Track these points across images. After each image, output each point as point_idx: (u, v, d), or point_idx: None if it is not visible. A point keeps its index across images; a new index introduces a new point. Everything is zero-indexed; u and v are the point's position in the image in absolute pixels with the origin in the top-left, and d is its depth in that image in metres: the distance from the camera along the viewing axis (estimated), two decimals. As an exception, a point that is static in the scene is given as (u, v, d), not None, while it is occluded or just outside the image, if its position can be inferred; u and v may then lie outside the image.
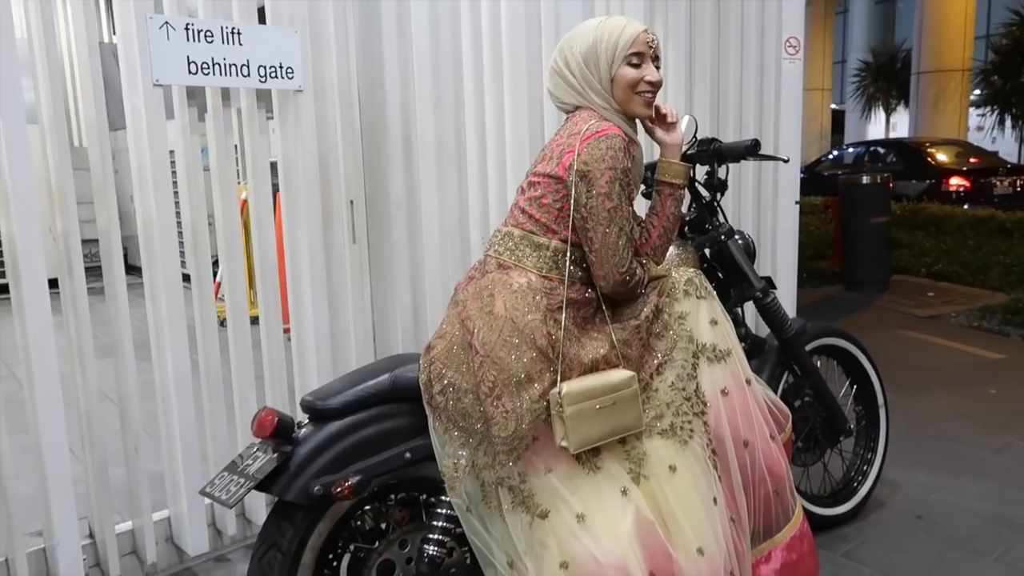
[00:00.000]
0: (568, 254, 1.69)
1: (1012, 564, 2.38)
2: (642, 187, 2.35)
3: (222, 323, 2.44)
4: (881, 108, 21.81)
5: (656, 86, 1.73)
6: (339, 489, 1.54)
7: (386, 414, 1.69)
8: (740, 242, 2.38)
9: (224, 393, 2.45)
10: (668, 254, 2.15)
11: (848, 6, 24.25)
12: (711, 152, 2.23)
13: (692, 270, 1.88)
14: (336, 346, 2.64)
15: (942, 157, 10.77)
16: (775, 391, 2.41)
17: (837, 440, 2.57)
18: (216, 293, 2.69)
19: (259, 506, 2.54)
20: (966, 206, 9.19)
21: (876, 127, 22.34)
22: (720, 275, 2.33)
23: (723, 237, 2.29)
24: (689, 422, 1.73)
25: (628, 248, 1.69)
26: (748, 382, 1.86)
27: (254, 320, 2.51)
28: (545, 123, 3.09)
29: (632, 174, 1.70)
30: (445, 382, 1.65)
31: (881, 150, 11.66)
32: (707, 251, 2.32)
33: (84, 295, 2.18)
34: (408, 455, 1.68)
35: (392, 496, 1.75)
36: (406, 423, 1.70)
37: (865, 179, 6.71)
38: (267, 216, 2.49)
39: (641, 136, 1.82)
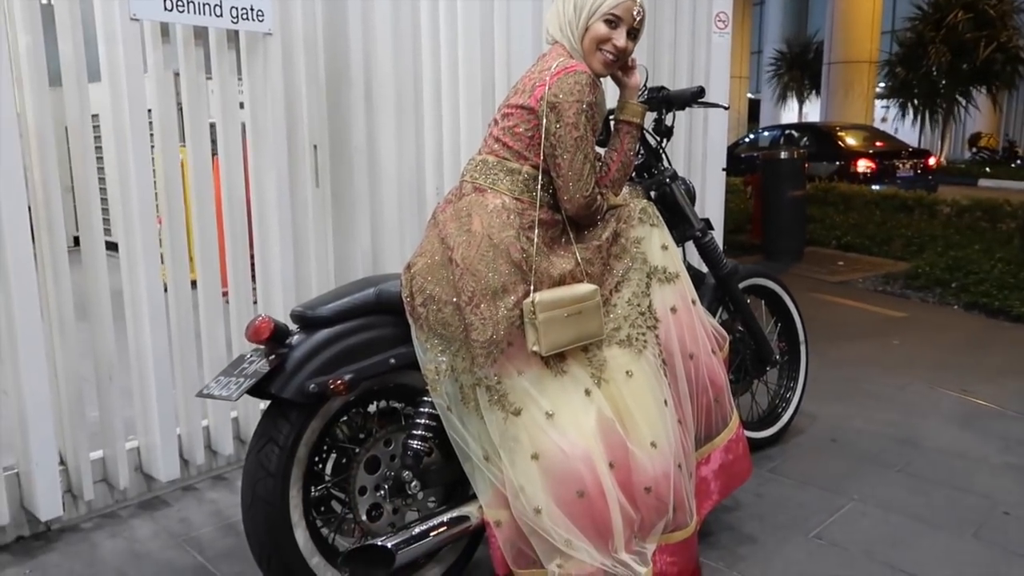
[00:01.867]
0: (539, 178, 1.86)
1: (913, 474, 2.70)
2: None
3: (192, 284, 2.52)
4: (795, 96, 22.80)
5: (621, 52, 1.90)
6: (334, 385, 1.68)
7: (372, 324, 1.84)
8: (683, 186, 2.60)
9: (193, 324, 2.53)
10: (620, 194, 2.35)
11: (764, -2, 25.16)
12: (660, 99, 2.43)
13: (646, 201, 2.09)
14: (300, 286, 2.75)
15: (851, 141, 11.45)
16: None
17: (764, 370, 2.85)
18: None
19: (226, 436, 2.63)
20: (874, 186, 9.81)
21: (790, 114, 23.34)
22: (664, 215, 2.54)
23: (668, 180, 2.51)
24: (643, 334, 1.94)
25: (592, 175, 1.87)
26: (694, 302, 2.08)
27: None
28: (496, 77, 3.25)
29: (596, 109, 1.88)
30: (427, 294, 1.81)
31: (795, 133, 12.27)
32: (653, 193, 2.53)
33: (61, 221, 2.23)
34: (393, 361, 1.83)
35: (373, 403, 1.90)
36: (390, 332, 1.85)
37: (783, 154, 7.13)
38: (237, 170, 2.58)
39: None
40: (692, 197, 2.62)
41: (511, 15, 3.29)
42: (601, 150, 2.04)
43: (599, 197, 1.94)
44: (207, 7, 2.33)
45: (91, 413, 2.41)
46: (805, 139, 11.79)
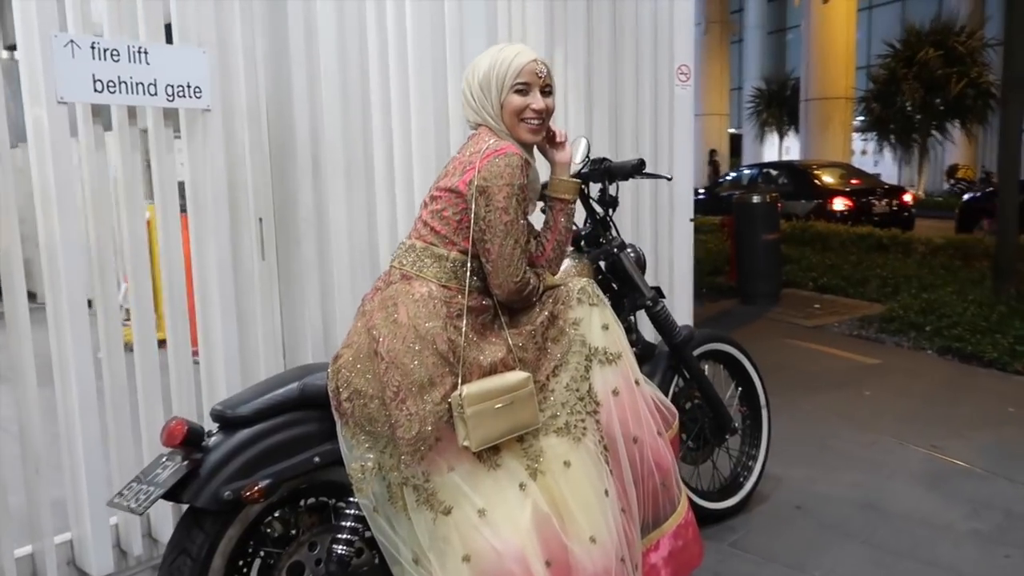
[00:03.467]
0: (467, 264, 1.81)
1: (876, 545, 2.63)
2: (539, 204, 2.52)
3: (129, 348, 2.43)
4: (775, 132, 23.08)
5: (541, 113, 1.86)
6: (249, 492, 1.60)
7: (295, 420, 1.76)
8: (632, 255, 2.56)
9: (130, 415, 2.45)
10: (564, 265, 2.30)
11: (743, 36, 25.58)
12: (601, 171, 2.40)
13: (585, 280, 2.04)
14: (245, 363, 2.67)
15: (828, 179, 11.52)
16: (666, 393, 2.60)
17: (724, 439, 2.78)
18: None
19: (166, 524, 2.53)
20: (850, 224, 9.85)
21: (771, 149, 23.63)
22: (614, 285, 2.50)
23: (615, 250, 2.46)
24: (582, 420, 1.87)
25: (522, 259, 1.82)
26: (637, 383, 2.01)
27: (162, 343, 2.51)
28: (452, 140, 3.22)
29: (528, 191, 1.84)
30: (352, 389, 1.74)
31: (774, 172, 12.36)
32: (602, 263, 2.49)
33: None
34: (317, 459, 1.75)
35: (302, 501, 1.81)
36: (315, 429, 1.77)
37: (756, 198, 7.14)
38: (175, 236, 2.51)
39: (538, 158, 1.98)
40: (642, 266, 2.58)
41: (464, 68, 3.27)
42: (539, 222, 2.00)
43: (532, 279, 1.89)
44: (140, 86, 2.29)
45: (15, 499, 2.31)
46: (783, 178, 11.86)
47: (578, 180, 2.06)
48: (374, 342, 1.75)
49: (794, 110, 20.04)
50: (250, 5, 2.59)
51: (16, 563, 2.25)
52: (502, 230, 1.78)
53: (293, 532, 1.79)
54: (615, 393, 1.95)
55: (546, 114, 1.88)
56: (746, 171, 13.48)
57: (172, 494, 1.61)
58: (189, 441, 1.64)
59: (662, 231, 4.62)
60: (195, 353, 2.58)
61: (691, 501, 2.17)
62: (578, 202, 2.29)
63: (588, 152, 2.38)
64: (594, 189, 2.49)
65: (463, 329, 1.77)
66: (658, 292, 2.57)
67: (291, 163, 2.79)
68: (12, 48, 2.20)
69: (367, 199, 3.00)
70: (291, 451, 1.73)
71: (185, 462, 1.63)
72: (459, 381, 1.73)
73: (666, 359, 2.63)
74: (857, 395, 4.29)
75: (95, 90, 2.20)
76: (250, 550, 1.74)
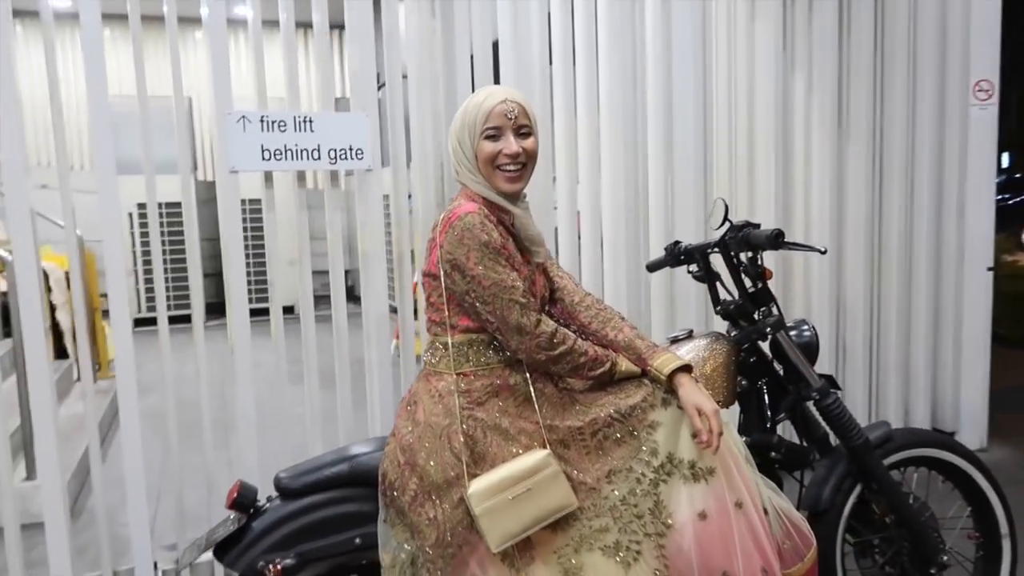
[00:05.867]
0: (472, 343, 1.65)
1: None
2: (694, 268, 2.21)
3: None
4: None
5: (517, 157, 1.63)
6: (272, 570, 1.63)
7: (342, 498, 1.75)
8: (798, 335, 2.13)
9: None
10: (691, 348, 1.99)
11: None
12: (739, 239, 2.02)
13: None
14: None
15: None
16: (844, 505, 2.12)
17: (928, 572, 2.17)
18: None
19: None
20: None
21: None
22: (764, 374, 2.10)
23: (768, 330, 2.06)
24: (638, 542, 1.58)
25: (527, 313, 1.60)
26: (739, 505, 1.65)
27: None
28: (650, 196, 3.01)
29: (500, 243, 1.60)
30: (389, 480, 1.68)
31: None
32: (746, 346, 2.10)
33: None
34: (358, 540, 1.72)
35: (349, 577, 1.80)
36: (359, 509, 1.74)
37: None
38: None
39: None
40: (813, 348, 2.13)
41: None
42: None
43: (549, 328, 1.62)
44: (304, 152, 2.48)
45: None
46: None
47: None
48: (397, 441, 1.67)
49: None
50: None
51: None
52: (489, 296, 1.58)
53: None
54: (702, 517, 1.63)
55: (526, 157, 1.64)
56: None
57: (220, 554, 1.70)
58: (236, 505, 1.72)
59: (945, 283, 3.82)
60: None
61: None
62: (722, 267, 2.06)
63: (726, 215, 2.02)
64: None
65: (481, 419, 1.60)
66: (830, 382, 2.10)
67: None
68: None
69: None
70: (333, 529, 1.72)
71: (232, 526, 1.71)
72: (465, 477, 1.57)
73: (843, 465, 2.13)
74: None
75: (263, 159, 2.44)
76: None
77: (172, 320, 2.57)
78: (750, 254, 2.05)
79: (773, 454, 2.00)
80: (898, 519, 2.14)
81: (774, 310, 2.09)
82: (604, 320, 1.76)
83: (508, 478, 1.54)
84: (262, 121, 2.43)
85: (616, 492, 1.62)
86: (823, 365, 3.58)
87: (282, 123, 2.45)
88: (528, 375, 1.66)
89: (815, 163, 3.54)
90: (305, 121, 2.47)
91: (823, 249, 1.96)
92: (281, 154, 2.46)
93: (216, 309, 8.39)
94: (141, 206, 7.69)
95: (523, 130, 1.66)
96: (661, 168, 3.14)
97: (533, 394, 1.64)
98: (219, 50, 2.39)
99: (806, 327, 2.15)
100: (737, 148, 3.43)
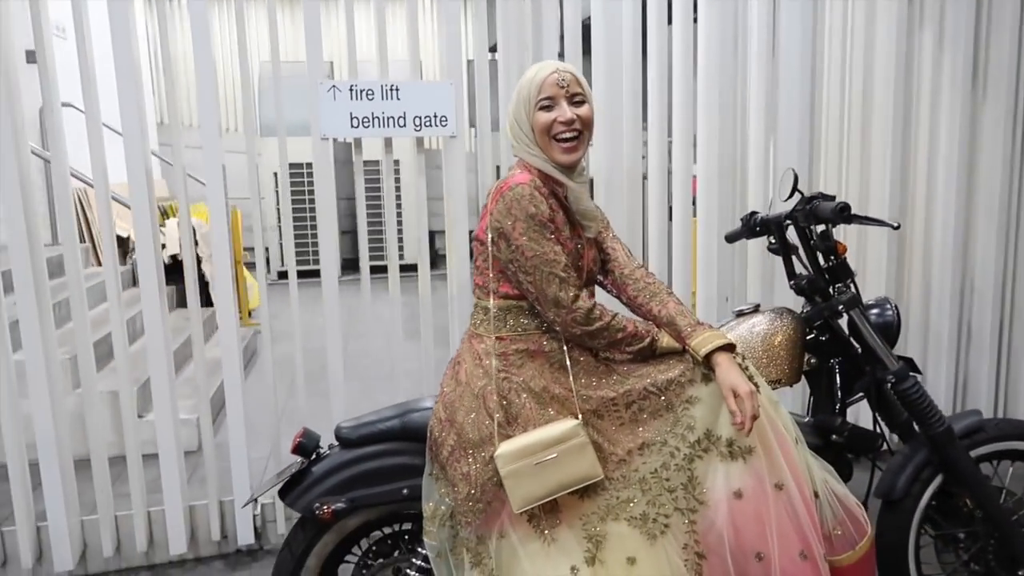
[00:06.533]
0: (512, 311, 1.68)
1: None
2: (771, 240, 2.13)
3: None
4: None
5: (572, 124, 1.63)
6: (320, 512, 1.76)
7: (393, 451, 1.85)
8: (878, 314, 2.00)
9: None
10: (761, 320, 1.93)
11: None
12: (807, 212, 1.91)
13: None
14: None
15: None
16: (920, 495, 2.00)
17: (1016, 574, 2.01)
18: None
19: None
20: None
21: None
22: (836, 353, 2.00)
23: (841, 307, 1.95)
24: (666, 516, 1.58)
25: (565, 288, 1.61)
26: (779, 486, 1.61)
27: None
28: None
29: (548, 216, 1.61)
30: (434, 436, 1.76)
31: None
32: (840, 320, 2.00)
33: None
34: (405, 491, 1.81)
35: (396, 525, 1.91)
36: (408, 462, 1.83)
37: None
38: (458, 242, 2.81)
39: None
40: (893, 329, 2.00)
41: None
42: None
43: (587, 304, 1.63)
44: (391, 120, 2.58)
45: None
46: None
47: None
48: (442, 400, 1.74)
49: None
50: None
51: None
52: (530, 267, 1.60)
53: (387, 551, 1.89)
54: (737, 495, 1.60)
55: (582, 124, 1.64)
56: None
57: (282, 493, 1.86)
58: (299, 450, 1.86)
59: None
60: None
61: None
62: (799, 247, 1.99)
63: (795, 185, 1.92)
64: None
65: (518, 380, 1.64)
66: (909, 365, 1.97)
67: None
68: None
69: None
70: (383, 479, 1.82)
71: (295, 469, 1.86)
72: (495, 438, 1.62)
73: (923, 453, 2.01)
74: None
75: (351, 126, 2.55)
76: (345, 558, 1.90)
77: (311, 274, 2.78)
78: (822, 227, 1.95)
79: (835, 437, 1.91)
80: (985, 514, 1.99)
81: (851, 287, 1.98)
82: (651, 294, 1.75)
83: (536, 443, 1.58)
84: (351, 90, 2.54)
85: (647, 465, 1.61)
86: (929, 347, 3.33)
87: (370, 92, 2.55)
88: (564, 344, 1.67)
89: (943, 129, 3.25)
90: (392, 89, 2.56)
91: (896, 224, 1.83)
92: (368, 121, 2.57)
93: (351, 265, 8.87)
94: (293, 166, 8.17)
95: (577, 98, 1.66)
96: (762, 134, 3.00)
97: (568, 362, 1.66)
98: (312, 23, 2.51)
99: (888, 306, 2.03)
100: (850, 111, 3.21)
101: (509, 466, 1.57)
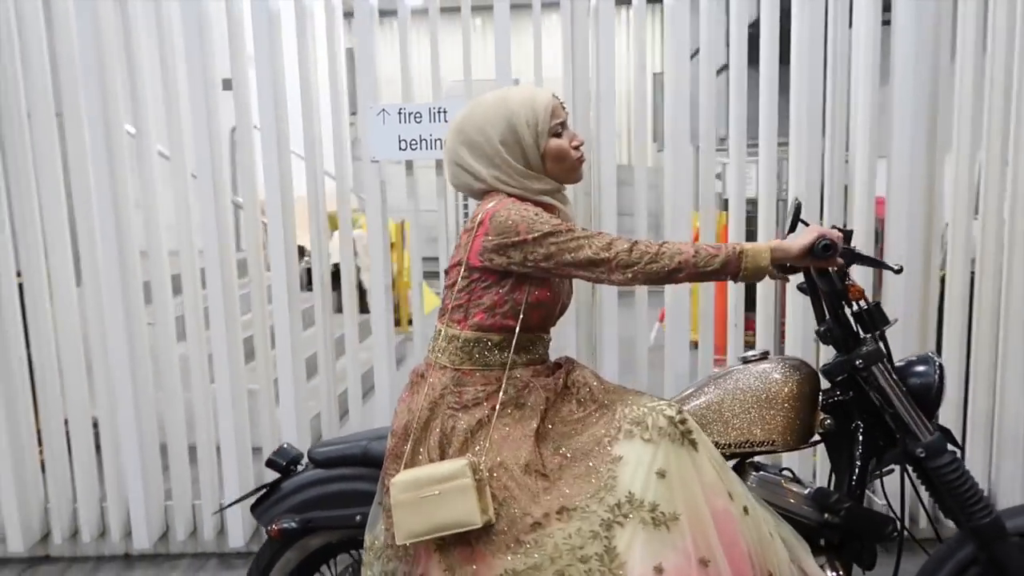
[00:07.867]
0: (481, 344, 1.59)
1: None
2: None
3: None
4: None
5: (580, 145, 1.64)
6: (269, 529, 1.79)
7: (354, 476, 1.84)
8: (916, 374, 1.66)
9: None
10: (767, 369, 1.69)
11: None
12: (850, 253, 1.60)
13: (663, 403, 1.50)
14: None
15: None
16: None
17: None
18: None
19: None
20: None
21: None
22: (860, 415, 1.68)
23: (860, 363, 1.63)
24: (576, 588, 1.42)
25: (590, 243, 1.50)
26: (704, 562, 1.39)
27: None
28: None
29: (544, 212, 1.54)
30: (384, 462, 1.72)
31: None
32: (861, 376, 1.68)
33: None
34: (358, 518, 1.79)
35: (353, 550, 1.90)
36: (367, 488, 1.81)
37: None
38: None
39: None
40: (928, 392, 1.65)
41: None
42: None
43: (623, 244, 1.51)
44: (439, 142, 2.58)
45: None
46: None
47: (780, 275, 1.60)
48: (392, 427, 1.69)
49: None
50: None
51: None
52: (553, 249, 1.50)
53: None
54: (658, 571, 1.40)
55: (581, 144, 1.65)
56: None
57: (253, 505, 1.92)
58: (272, 464, 1.90)
59: None
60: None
61: None
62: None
63: (797, 215, 1.64)
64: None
65: (478, 418, 1.55)
66: (945, 435, 1.61)
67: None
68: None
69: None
70: (338, 503, 1.82)
71: (269, 484, 1.91)
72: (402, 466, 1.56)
73: (969, 548, 1.63)
74: None
75: (399, 148, 2.59)
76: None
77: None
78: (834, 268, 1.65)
79: (827, 516, 1.61)
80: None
81: (878, 339, 1.66)
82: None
83: (426, 477, 1.51)
84: (399, 113, 2.58)
85: (563, 530, 1.46)
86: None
87: (418, 114, 2.57)
88: (519, 391, 1.59)
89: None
90: (439, 111, 2.57)
91: (897, 268, 1.49)
92: (417, 144, 2.59)
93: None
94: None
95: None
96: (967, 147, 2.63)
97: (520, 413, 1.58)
98: (366, 47, 2.59)
99: (926, 365, 1.67)
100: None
101: (399, 496, 1.51)
